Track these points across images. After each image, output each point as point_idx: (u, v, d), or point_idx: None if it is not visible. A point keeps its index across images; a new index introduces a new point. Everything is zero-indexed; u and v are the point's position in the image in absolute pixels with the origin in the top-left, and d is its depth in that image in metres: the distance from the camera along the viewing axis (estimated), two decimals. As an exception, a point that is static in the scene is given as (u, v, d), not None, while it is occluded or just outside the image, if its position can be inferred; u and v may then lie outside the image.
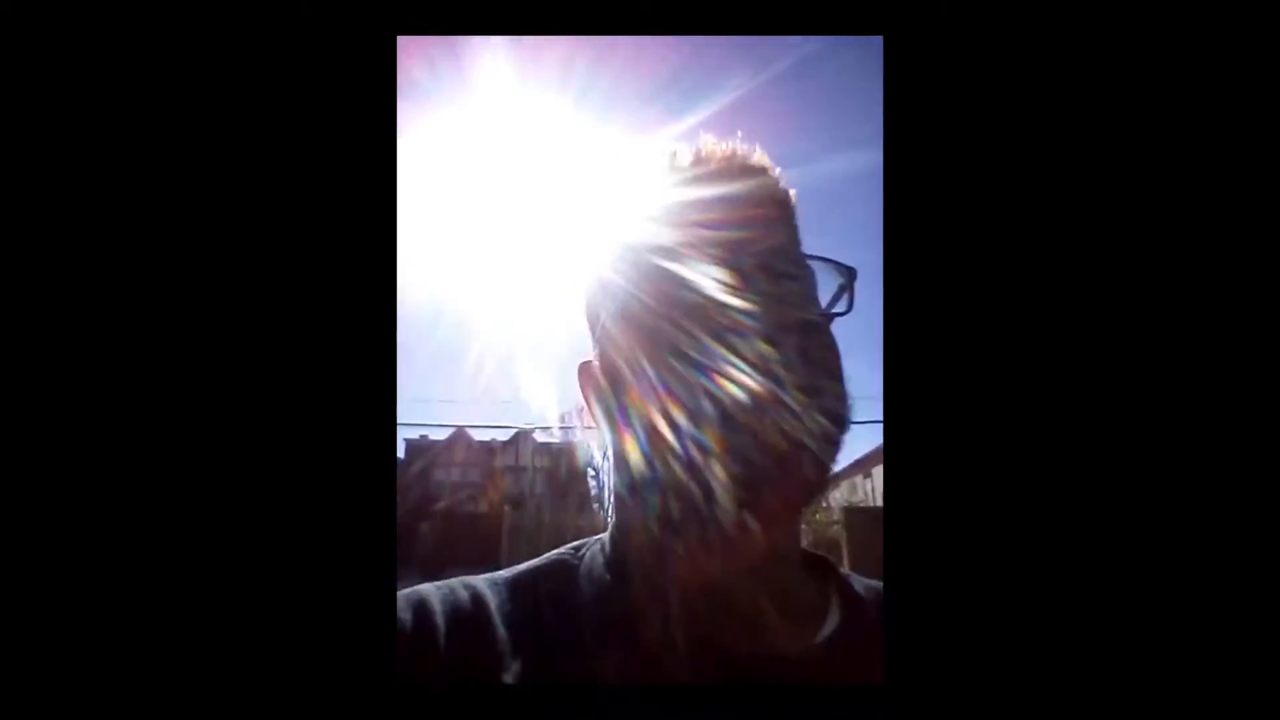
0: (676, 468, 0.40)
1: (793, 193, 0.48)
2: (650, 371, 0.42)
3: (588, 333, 0.50)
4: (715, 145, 0.47)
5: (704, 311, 0.41)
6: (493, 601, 0.44)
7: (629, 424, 0.43)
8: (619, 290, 0.44)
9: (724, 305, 0.41)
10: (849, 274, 0.45)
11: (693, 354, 0.40)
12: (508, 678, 0.40)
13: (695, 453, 0.39)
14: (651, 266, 0.43)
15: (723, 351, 0.40)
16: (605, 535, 0.49)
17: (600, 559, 0.47)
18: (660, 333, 0.42)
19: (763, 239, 0.43)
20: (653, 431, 0.41)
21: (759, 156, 0.47)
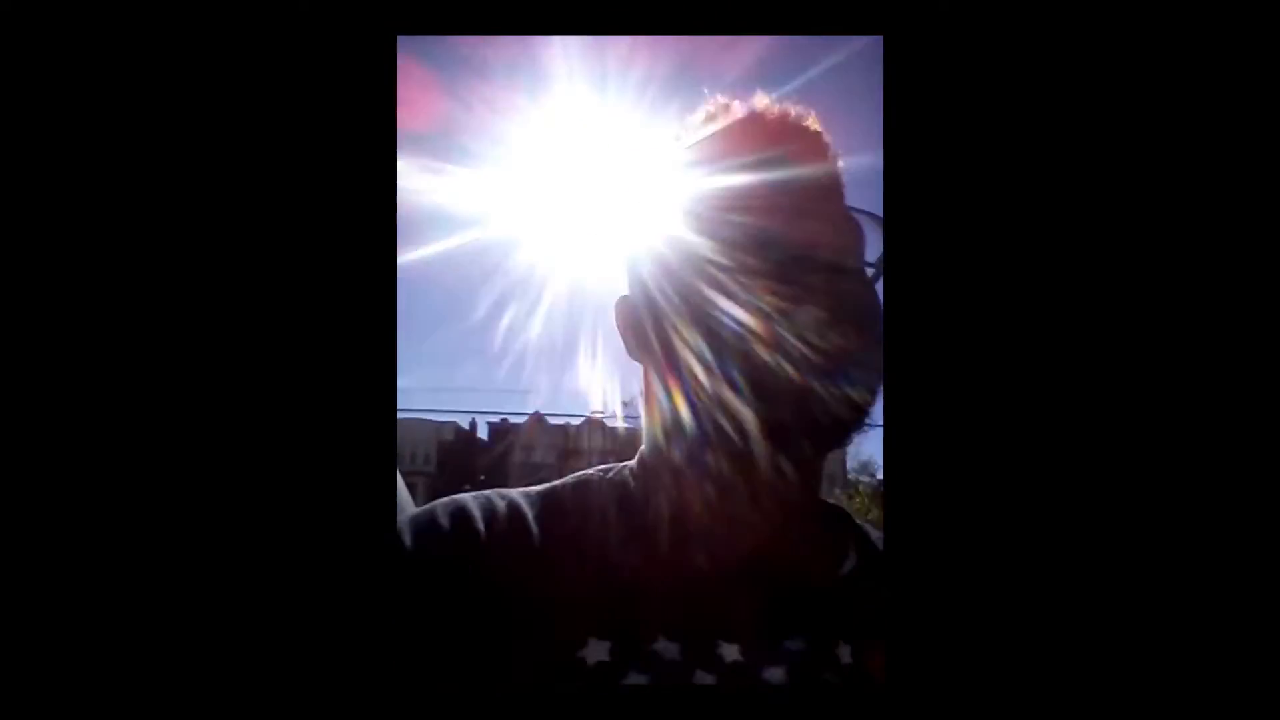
0: (707, 402, 0.42)
1: (837, 152, 0.49)
2: (683, 307, 0.43)
3: (625, 270, 0.51)
4: (771, 103, 0.48)
5: (739, 251, 0.42)
6: (529, 511, 0.46)
7: (662, 358, 0.45)
8: (656, 227, 0.46)
9: (761, 244, 0.42)
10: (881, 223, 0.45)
11: (727, 293, 0.41)
12: (543, 583, 0.41)
13: (726, 390, 0.41)
14: (690, 206, 0.44)
15: (757, 292, 0.41)
16: (633, 461, 0.51)
17: (630, 479, 0.49)
18: (694, 269, 0.43)
19: (803, 186, 0.44)
20: (685, 367, 0.42)
21: (811, 116, 0.49)
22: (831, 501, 0.54)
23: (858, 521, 0.54)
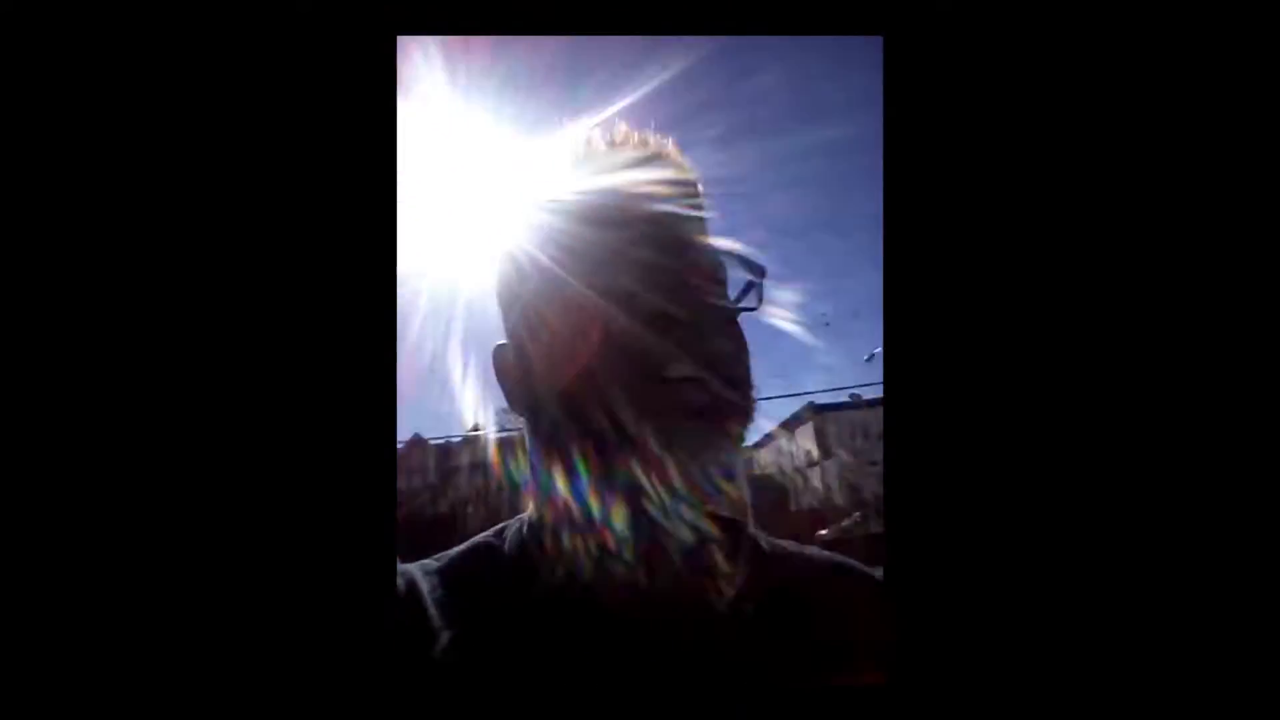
0: (588, 451, 0.42)
1: (700, 185, 0.49)
2: (562, 353, 0.43)
3: (500, 316, 0.51)
4: (629, 132, 0.48)
5: (616, 294, 0.42)
6: (424, 586, 0.46)
7: (543, 407, 0.45)
8: (534, 271, 0.45)
9: (636, 289, 0.42)
10: (759, 271, 0.46)
11: (608, 335, 0.41)
12: (437, 653, 0.42)
13: (610, 433, 0.41)
14: (567, 247, 0.44)
15: (634, 333, 0.41)
16: (525, 515, 0.51)
17: (518, 540, 0.49)
18: (573, 312, 0.43)
19: (673, 225, 0.45)
20: (565, 415, 0.43)
21: (671, 146, 0.49)
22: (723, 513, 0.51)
23: (750, 532, 0.52)
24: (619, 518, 0.43)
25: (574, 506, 0.44)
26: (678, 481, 0.41)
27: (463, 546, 0.51)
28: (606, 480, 0.42)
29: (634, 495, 0.42)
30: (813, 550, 0.55)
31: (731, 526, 0.51)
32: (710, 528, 0.47)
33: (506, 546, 0.49)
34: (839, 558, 0.55)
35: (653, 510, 0.42)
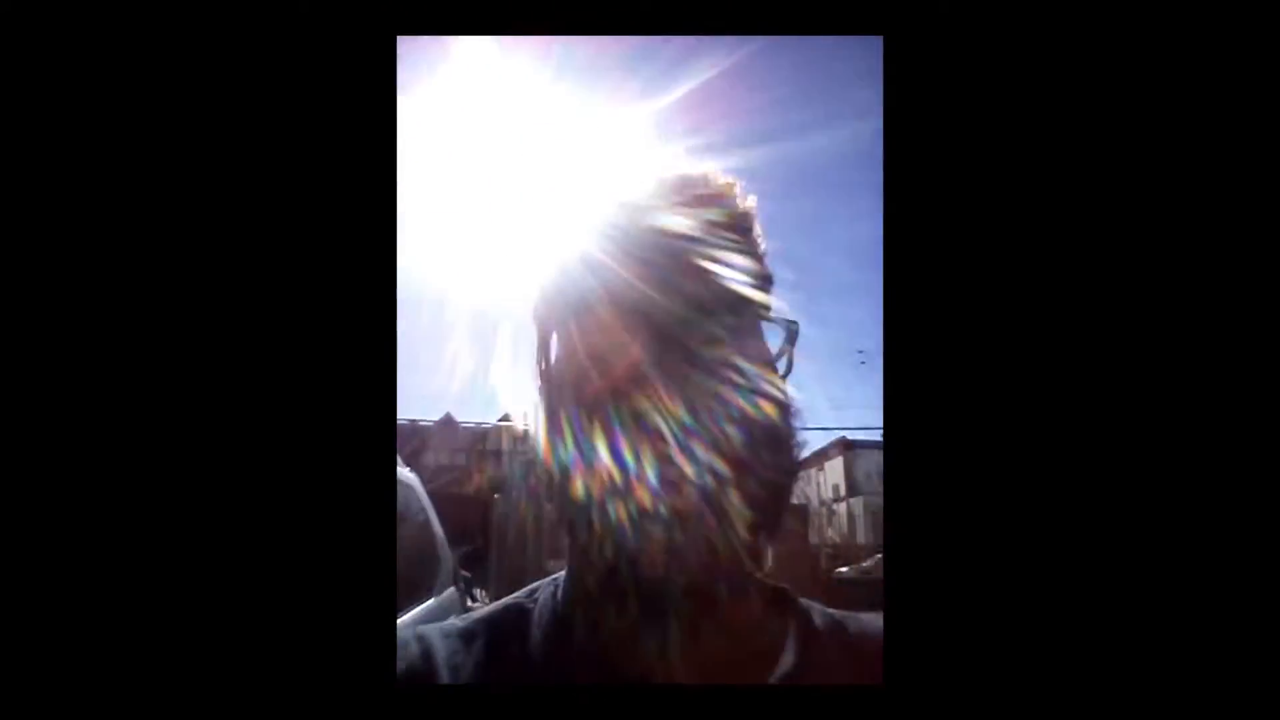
0: (623, 494, 0.38)
1: (756, 225, 0.46)
2: (599, 388, 0.40)
3: (537, 344, 0.47)
4: (701, 174, 0.46)
5: (663, 331, 0.40)
6: (441, 654, 0.44)
7: (577, 442, 0.41)
8: (578, 299, 0.43)
9: (687, 325, 0.40)
10: (792, 336, 0.44)
11: (647, 373, 0.39)
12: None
13: (650, 476, 0.38)
14: (616, 277, 0.42)
15: (678, 374, 0.39)
16: (560, 575, 0.48)
17: (552, 603, 0.47)
18: (614, 349, 0.40)
19: (729, 272, 0.42)
20: (597, 454, 0.39)
21: (735, 188, 0.46)
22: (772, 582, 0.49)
23: (801, 604, 0.50)
24: (650, 470, 0.39)
25: (612, 469, 0.40)
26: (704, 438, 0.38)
27: (493, 607, 0.48)
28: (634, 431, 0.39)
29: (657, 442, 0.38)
30: (867, 619, 0.50)
31: (780, 597, 0.49)
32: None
33: (537, 610, 0.47)
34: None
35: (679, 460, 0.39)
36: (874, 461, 17.77)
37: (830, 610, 0.50)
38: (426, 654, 0.43)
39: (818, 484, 19.62)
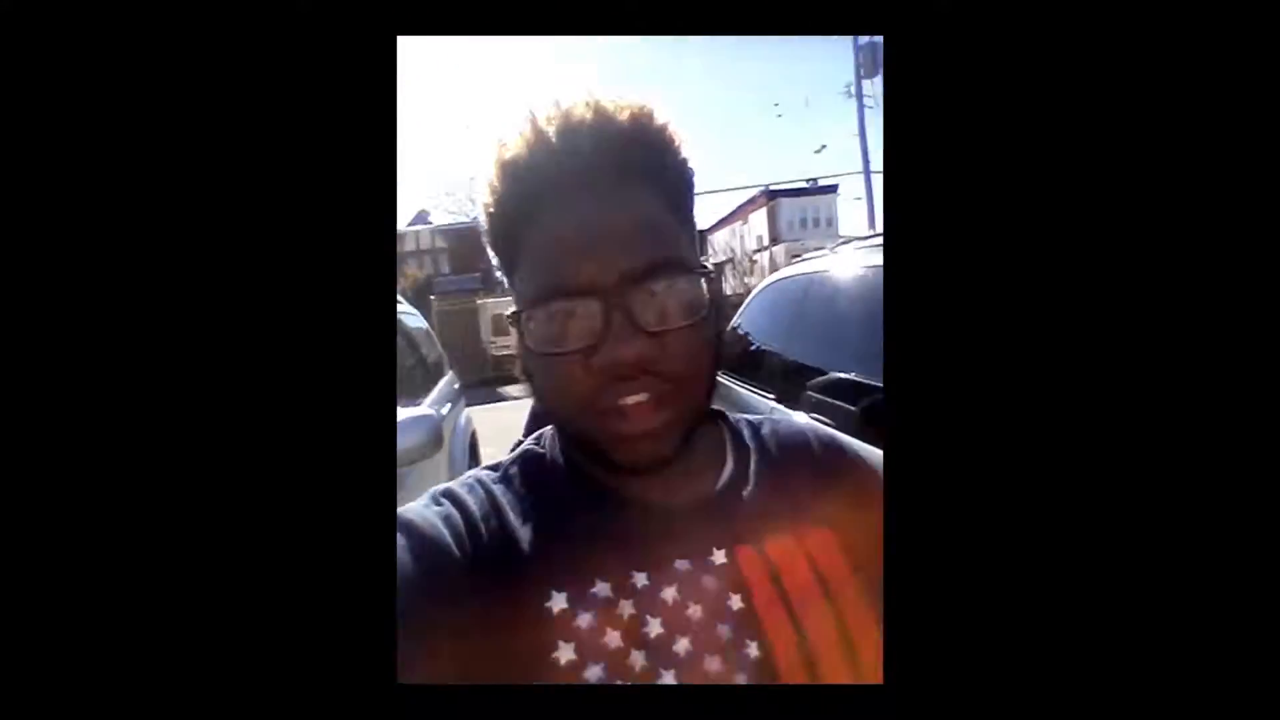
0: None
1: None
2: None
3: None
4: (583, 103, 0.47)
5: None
6: (499, 492, 0.50)
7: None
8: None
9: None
10: (714, 284, 0.48)
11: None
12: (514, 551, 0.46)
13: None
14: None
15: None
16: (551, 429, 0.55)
17: (558, 445, 0.53)
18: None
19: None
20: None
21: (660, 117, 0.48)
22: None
23: (731, 419, 0.58)
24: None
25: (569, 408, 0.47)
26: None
27: (514, 455, 0.54)
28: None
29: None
30: (787, 427, 0.59)
31: (716, 415, 0.57)
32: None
33: (548, 454, 0.53)
34: (821, 435, 0.59)
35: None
36: (796, 210, 17.96)
37: (751, 418, 0.59)
38: (490, 495, 0.49)
39: (741, 236, 20.00)
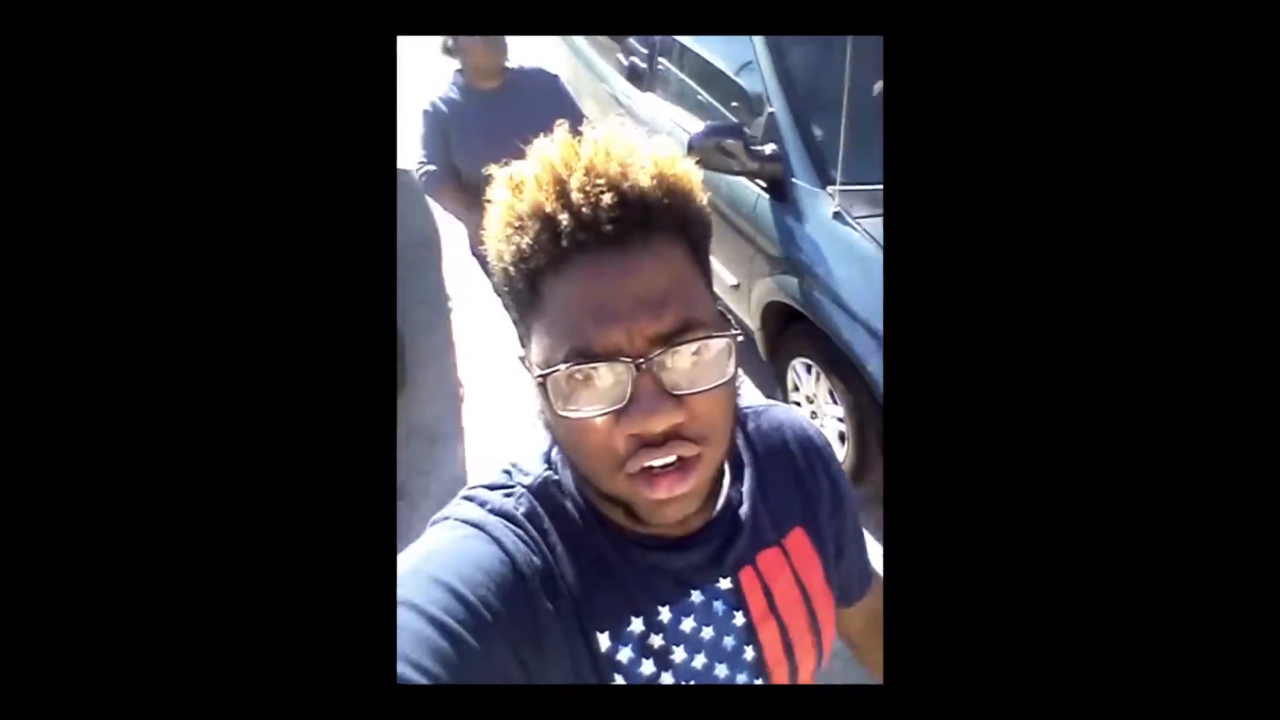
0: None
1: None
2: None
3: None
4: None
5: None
6: (534, 532, 0.49)
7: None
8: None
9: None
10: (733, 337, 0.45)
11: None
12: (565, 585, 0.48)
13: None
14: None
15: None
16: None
17: (569, 473, 0.52)
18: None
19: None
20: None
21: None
22: None
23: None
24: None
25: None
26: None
27: (532, 483, 0.52)
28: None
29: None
30: (769, 422, 0.60)
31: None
32: None
33: (564, 481, 0.52)
34: (796, 430, 0.60)
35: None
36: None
37: (740, 418, 0.59)
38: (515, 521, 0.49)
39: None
